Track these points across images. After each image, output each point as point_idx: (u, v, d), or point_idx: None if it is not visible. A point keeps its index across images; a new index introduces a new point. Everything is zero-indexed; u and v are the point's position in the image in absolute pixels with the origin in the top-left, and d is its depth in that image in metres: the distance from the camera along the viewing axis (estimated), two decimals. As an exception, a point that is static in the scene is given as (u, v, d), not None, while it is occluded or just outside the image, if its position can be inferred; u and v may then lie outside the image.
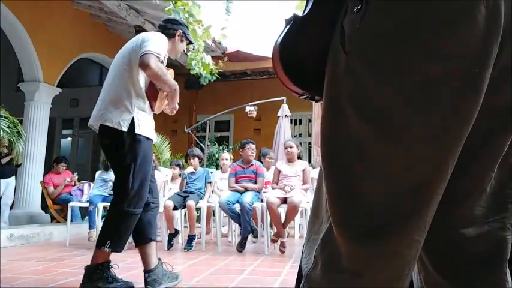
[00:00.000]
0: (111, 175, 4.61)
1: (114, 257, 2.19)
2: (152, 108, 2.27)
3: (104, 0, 5.61)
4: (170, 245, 4.15)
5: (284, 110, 6.27)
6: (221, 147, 8.39)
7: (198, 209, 4.32)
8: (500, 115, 0.66)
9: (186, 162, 4.72)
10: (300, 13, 0.72)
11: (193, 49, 6.03)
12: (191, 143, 8.07)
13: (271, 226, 4.20)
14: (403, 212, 0.60)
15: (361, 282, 0.62)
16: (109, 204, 4.40)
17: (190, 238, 4.05)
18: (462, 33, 0.55)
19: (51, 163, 6.78)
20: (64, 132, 10.54)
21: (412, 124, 0.58)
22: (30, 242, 4.42)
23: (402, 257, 0.62)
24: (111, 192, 4.53)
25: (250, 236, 4.15)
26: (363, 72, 0.61)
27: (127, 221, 2.12)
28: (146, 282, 2.17)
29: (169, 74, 2.20)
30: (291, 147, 4.23)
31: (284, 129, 6.12)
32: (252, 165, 4.39)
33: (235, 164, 4.51)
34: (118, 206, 2.10)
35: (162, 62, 2.13)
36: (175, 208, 4.12)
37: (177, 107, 2.28)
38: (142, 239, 2.22)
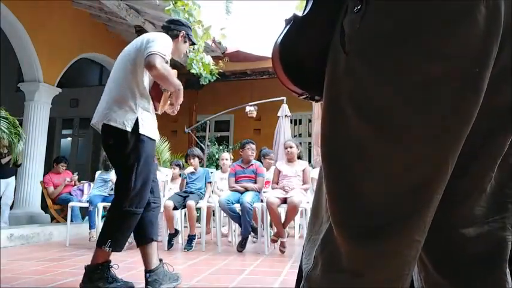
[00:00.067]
0: (111, 175, 4.62)
1: (114, 257, 2.19)
2: (156, 109, 2.28)
3: (104, 0, 5.61)
4: (170, 245, 4.15)
5: (284, 110, 6.27)
6: (221, 147, 8.40)
7: (198, 209, 4.33)
8: (500, 115, 0.66)
9: (186, 162, 4.72)
10: (300, 13, 0.72)
11: (194, 49, 6.03)
12: (191, 143, 8.07)
13: (271, 226, 4.20)
14: (403, 212, 0.60)
15: (361, 282, 0.62)
16: (109, 204, 4.41)
17: (190, 238, 4.05)
18: (462, 33, 0.55)
19: (51, 163, 6.78)
20: (64, 132, 10.53)
21: (412, 124, 0.58)
22: (30, 242, 4.42)
23: (402, 257, 0.62)
24: (111, 192, 4.53)
25: (250, 236, 4.15)
26: (363, 72, 0.61)
27: (128, 220, 2.12)
28: (147, 282, 2.17)
29: (174, 74, 2.21)
30: (291, 147, 4.23)
31: (284, 129, 6.12)
32: (251, 165, 4.39)
33: (235, 164, 4.51)
34: (119, 205, 2.10)
35: (167, 62, 2.14)
36: (175, 208, 4.12)
37: (178, 107, 2.29)
38: (144, 239, 2.22)
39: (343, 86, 0.63)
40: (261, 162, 4.78)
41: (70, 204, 4.73)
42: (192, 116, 8.60)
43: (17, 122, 4.88)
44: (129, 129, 2.09)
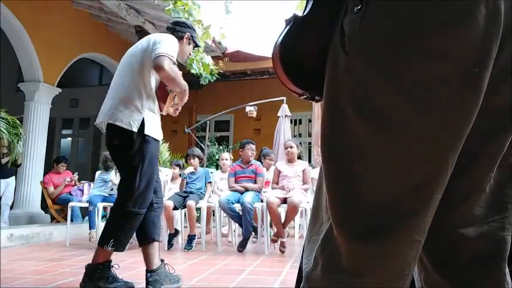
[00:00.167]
0: (111, 175, 4.62)
1: (114, 257, 2.19)
2: (161, 109, 2.28)
3: (104, 0, 5.61)
4: (170, 245, 4.15)
5: (284, 110, 6.27)
6: (221, 147, 8.40)
7: (198, 209, 4.33)
8: (500, 115, 0.66)
9: (186, 162, 4.72)
10: (300, 13, 0.72)
11: (194, 49, 6.02)
12: (191, 143, 8.07)
13: (271, 226, 4.20)
14: (403, 212, 0.60)
15: (361, 282, 0.62)
16: (109, 204, 4.41)
17: (190, 238, 4.05)
18: (462, 33, 0.55)
19: (51, 163, 6.78)
20: (64, 132, 10.53)
21: (412, 124, 0.58)
22: (30, 242, 4.42)
23: (402, 257, 0.62)
24: (111, 192, 4.53)
25: (250, 236, 4.15)
26: (362, 72, 0.61)
27: (131, 220, 2.12)
28: (147, 282, 2.17)
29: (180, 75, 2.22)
30: (291, 147, 4.23)
31: (284, 129, 6.12)
32: (251, 165, 4.39)
33: (235, 164, 4.51)
34: (123, 205, 2.11)
35: (174, 63, 2.15)
36: (175, 208, 4.13)
37: (180, 108, 2.31)
38: (146, 239, 2.22)
39: (343, 86, 0.63)
40: (261, 162, 4.78)
41: (70, 204, 4.73)
42: (192, 116, 8.60)
43: (17, 121, 4.88)
44: (135, 129, 2.10)
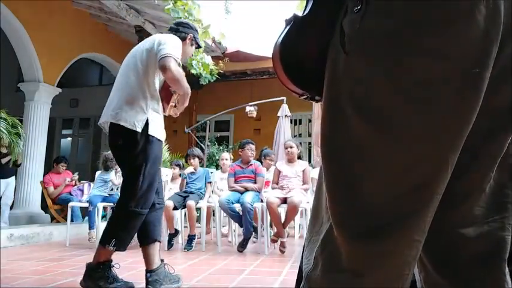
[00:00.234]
0: (111, 175, 4.61)
1: (114, 257, 2.19)
2: (164, 110, 2.28)
3: (104, 0, 5.61)
4: (170, 245, 4.15)
5: (284, 110, 6.27)
6: (221, 147, 8.40)
7: (198, 209, 4.33)
8: (500, 115, 0.66)
9: (186, 162, 4.72)
10: (300, 13, 0.72)
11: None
12: (191, 143, 8.07)
13: (271, 226, 4.20)
14: (403, 212, 0.60)
15: (361, 282, 0.62)
16: (109, 204, 4.41)
17: (190, 238, 4.05)
18: (462, 33, 0.55)
19: (51, 163, 6.78)
20: (64, 132, 10.53)
21: (412, 124, 0.58)
22: (30, 242, 4.42)
23: (402, 257, 0.62)
24: (111, 192, 4.53)
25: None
26: (362, 72, 0.61)
27: (133, 220, 2.12)
28: (147, 282, 2.17)
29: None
30: (291, 147, 4.22)
31: (284, 129, 6.12)
32: (251, 165, 4.39)
33: (234, 164, 4.51)
34: (125, 205, 2.11)
35: (179, 64, 2.15)
36: (175, 208, 4.13)
37: (182, 109, 2.32)
38: (147, 239, 2.22)
39: (343, 86, 0.63)
40: (261, 162, 4.78)
41: (70, 204, 4.73)
42: (192, 116, 8.60)
43: (17, 121, 4.87)
44: (139, 129, 2.10)
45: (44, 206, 6.19)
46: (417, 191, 0.60)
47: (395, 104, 0.58)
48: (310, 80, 0.74)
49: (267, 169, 4.81)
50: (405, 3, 0.57)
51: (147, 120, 2.13)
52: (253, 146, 4.47)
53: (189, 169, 4.54)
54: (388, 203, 0.61)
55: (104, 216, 4.98)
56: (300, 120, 9.35)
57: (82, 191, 5.94)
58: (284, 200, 3.83)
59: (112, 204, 4.31)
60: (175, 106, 2.31)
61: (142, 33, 6.12)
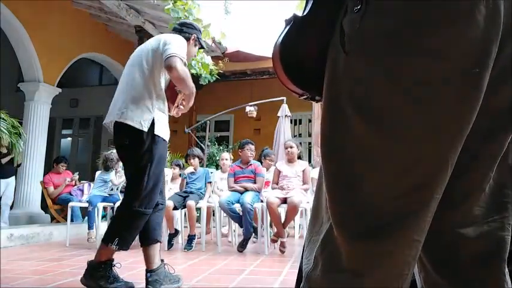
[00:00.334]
0: (111, 175, 4.62)
1: (114, 257, 2.19)
2: (169, 110, 2.29)
3: (104, 0, 5.61)
4: (170, 245, 4.15)
5: (284, 110, 6.27)
6: (221, 147, 8.39)
7: (198, 209, 4.33)
8: (500, 115, 0.66)
9: (186, 162, 4.72)
10: (300, 13, 0.72)
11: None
12: (191, 143, 8.07)
13: (271, 226, 4.20)
14: (403, 212, 0.60)
15: (361, 282, 0.62)
16: (109, 204, 4.41)
17: (190, 238, 4.05)
18: (462, 33, 0.55)
19: (51, 163, 6.78)
20: (64, 132, 10.53)
21: (412, 124, 0.58)
22: (30, 242, 4.42)
23: (402, 256, 0.62)
24: (111, 192, 4.53)
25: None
26: (362, 72, 0.61)
27: (137, 220, 2.12)
28: (147, 282, 2.17)
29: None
30: (291, 147, 4.22)
31: (284, 129, 6.12)
32: (250, 165, 4.39)
33: (234, 165, 4.51)
34: (129, 205, 2.11)
35: (185, 64, 2.15)
36: (175, 208, 4.13)
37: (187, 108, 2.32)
38: (149, 240, 2.22)
39: (343, 86, 0.63)
40: (261, 162, 4.78)
41: (70, 204, 4.73)
42: (192, 116, 8.60)
43: (17, 123, 4.87)
44: (145, 129, 2.10)
45: (44, 206, 6.19)
46: (417, 191, 0.60)
47: (395, 104, 0.58)
48: (310, 80, 0.74)
49: (267, 169, 4.80)
50: (405, 3, 0.57)
51: (153, 119, 2.13)
52: (252, 146, 4.47)
53: (189, 169, 4.54)
54: (388, 203, 0.61)
55: (103, 216, 4.98)
56: (300, 120, 9.35)
57: (82, 191, 5.94)
58: (284, 200, 3.83)
59: (112, 204, 4.31)
60: (177, 106, 2.32)
61: (142, 33, 6.12)
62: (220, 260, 3.36)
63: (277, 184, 4.15)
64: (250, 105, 6.60)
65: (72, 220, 4.91)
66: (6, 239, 4.11)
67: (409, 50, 0.57)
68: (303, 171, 4.15)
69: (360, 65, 0.61)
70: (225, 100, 8.18)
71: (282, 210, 4.14)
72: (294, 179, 4.08)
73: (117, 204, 4.04)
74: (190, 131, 7.22)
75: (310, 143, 8.61)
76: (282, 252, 3.78)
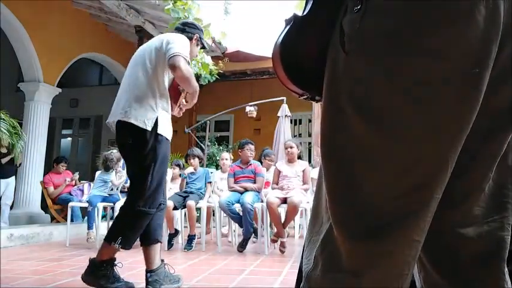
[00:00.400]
0: (111, 175, 4.62)
1: (115, 256, 2.19)
2: (172, 109, 2.29)
3: (104, 0, 5.61)
4: (170, 245, 4.15)
5: (284, 110, 6.27)
6: (221, 147, 8.40)
7: (198, 209, 4.33)
8: (500, 115, 0.66)
9: (186, 162, 4.72)
10: (300, 13, 0.72)
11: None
12: (191, 143, 8.07)
13: (271, 226, 4.20)
14: (403, 212, 0.60)
15: (361, 282, 0.62)
16: (109, 204, 4.41)
17: (190, 238, 4.05)
18: (462, 33, 0.55)
19: (51, 163, 6.78)
20: (64, 132, 10.53)
21: (412, 124, 0.58)
22: (30, 242, 4.42)
23: (402, 256, 0.62)
24: (111, 193, 4.53)
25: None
26: (362, 72, 0.61)
27: (141, 220, 2.12)
28: (147, 282, 2.17)
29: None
30: (291, 147, 4.22)
31: (284, 129, 6.12)
32: (250, 165, 4.39)
33: (234, 165, 4.51)
34: (133, 204, 2.11)
35: (188, 63, 2.15)
36: (175, 208, 4.12)
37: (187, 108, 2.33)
38: (150, 240, 2.22)
39: (342, 86, 0.63)
40: (261, 162, 4.78)
41: (70, 204, 4.72)
42: (192, 116, 8.60)
43: (17, 124, 4.87)
44: (149, 128, 2.09)
45: (44, 206, 6.19)
46: (417, 191, 0.60)
47: (395, 104, 0.58)
48: (310, 79, 0.74)
49: (267, 169, 4.80)
50: (405, 3, 0.57)
51: (157, 118, 2.12)
52: (252, 146, 4.47)
53: (189, 169, 4.54)
54: (388, 203, 0.61)
55: (103, 217, 4.98)
56: (300, 120, 9.35)
57: (82, 191, 5.94)
58: (284, 200, 3.83)
59: (112, 204, 4.31)
60: (179, 106, 2.32)
61: (142, 33, 6.12)
62: (220, 260, 3.36)
63: (277, 184, 4.15)
64: (250, 105, 6.60)
65: (72, 220, 4.90)
66: (6, 239, 4.11)
67: (409, 50, 0.57)
68: (303, 171, 4.15)
69: (360, 64, 0.61)
70: (225, 100, 8.18)
71: (282, 210, 4.14)
72: (294, 179, 4.08)
73: (117, 204, 4.06)
74: (190, 131, 7.22)
75: (310, 143, 8.60)
76: (282, 252, 3.78)
